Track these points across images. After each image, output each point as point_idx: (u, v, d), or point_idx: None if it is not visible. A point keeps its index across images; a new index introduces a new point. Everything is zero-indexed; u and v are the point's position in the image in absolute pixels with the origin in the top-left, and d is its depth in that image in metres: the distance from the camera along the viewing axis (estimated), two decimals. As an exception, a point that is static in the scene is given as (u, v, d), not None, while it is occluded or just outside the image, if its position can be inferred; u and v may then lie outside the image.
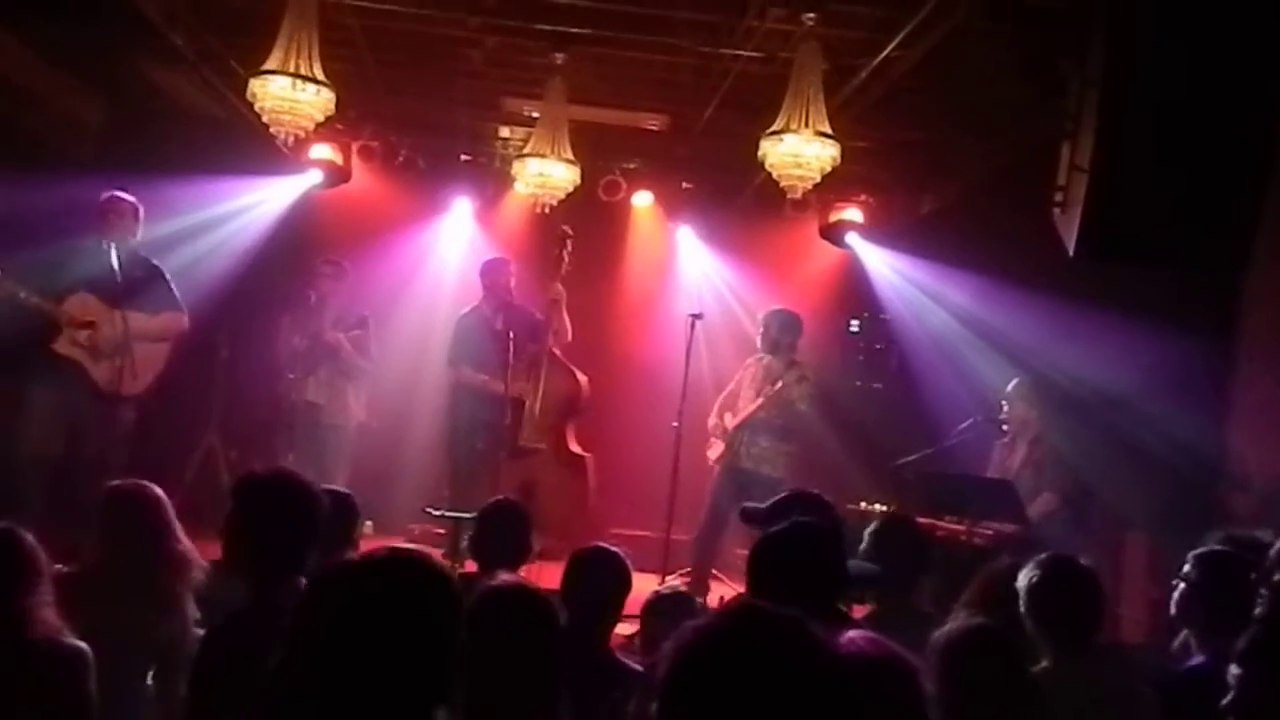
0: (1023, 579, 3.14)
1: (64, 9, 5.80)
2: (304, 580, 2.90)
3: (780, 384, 6.75)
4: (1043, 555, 3.23)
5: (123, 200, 6.06)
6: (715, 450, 6.98)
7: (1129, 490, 6.58)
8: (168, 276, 6.28)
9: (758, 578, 2.73)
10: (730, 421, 6.95)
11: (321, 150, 7.68)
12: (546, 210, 6.77)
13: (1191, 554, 3.35)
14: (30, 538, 2.76)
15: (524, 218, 7.39)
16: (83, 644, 2.69)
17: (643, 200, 8.26)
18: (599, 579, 3.33)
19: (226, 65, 6.43)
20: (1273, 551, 3.04)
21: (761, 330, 7.04)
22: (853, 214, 8.20)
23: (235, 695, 2.74)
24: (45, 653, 2.62)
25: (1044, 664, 3.06)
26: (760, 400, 6.82)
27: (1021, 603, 3.12)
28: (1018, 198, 6.45)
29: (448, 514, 6.12)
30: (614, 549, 3.48)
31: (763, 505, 3.48)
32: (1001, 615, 3.10)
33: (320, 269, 7.18)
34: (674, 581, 5.92)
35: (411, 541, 5.87)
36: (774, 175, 5.74)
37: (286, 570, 2.90)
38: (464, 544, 4.21)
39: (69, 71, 7.15)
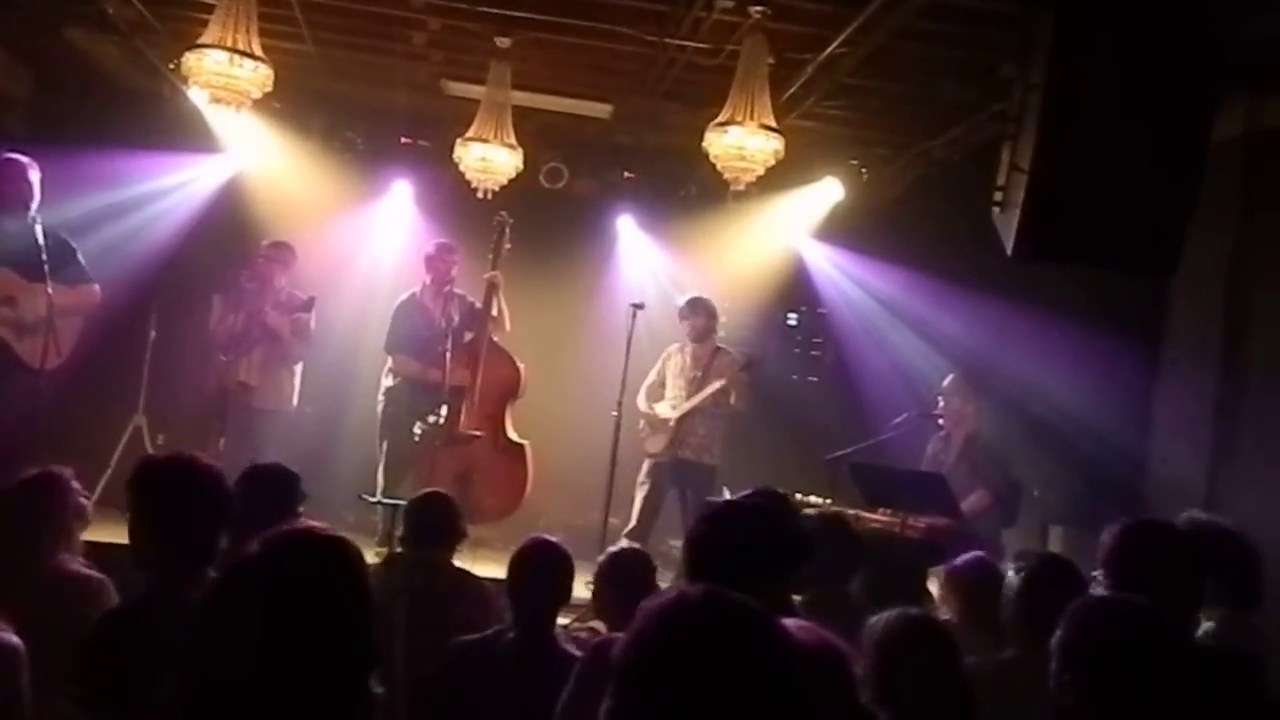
0: (1014, 571, 3.26)
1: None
2: (211, 571, 2.82)
3: (724, 381, 6.82)
4: (1040, 553, 3.35)
5: (15, 162, 5.83)
6: (655, 442, 6.98)
7: (1053, 483, 6.76)
8: (76, 248, 6.07)
9: (696, 560, 2.74)
10: (668, 413, 6.97)
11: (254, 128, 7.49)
12: (488, 196, 6.71)
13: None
14: None
15: (464, 203, 7.30)
16: (15, 639, 2.55)
17: (584, 188, 8.22)
18: (544, 571, 3.32)
19: (160, 38, 6.26)
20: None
21: (689, 318, 7.06)
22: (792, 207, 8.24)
23: (130, 688, 2.66)
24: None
25: (1010, 653, 3.16)
26: (706, 394, 6.86)
27: (1008, 593, 3.22)
28: (956, 196, 6.56)
29: (383, 501, 6.05)
30: (554, 540, 3.47)
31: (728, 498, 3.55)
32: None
33: (266, 251, 7.00)
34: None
35: (346, 529, 5.81)
36: (718, 167, 5.75)
37: (192, 560, 2.78)
38: (398, 531, 4.17)
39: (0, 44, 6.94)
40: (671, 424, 6.93)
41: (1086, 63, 4.18)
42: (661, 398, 7.08)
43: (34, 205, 5.75)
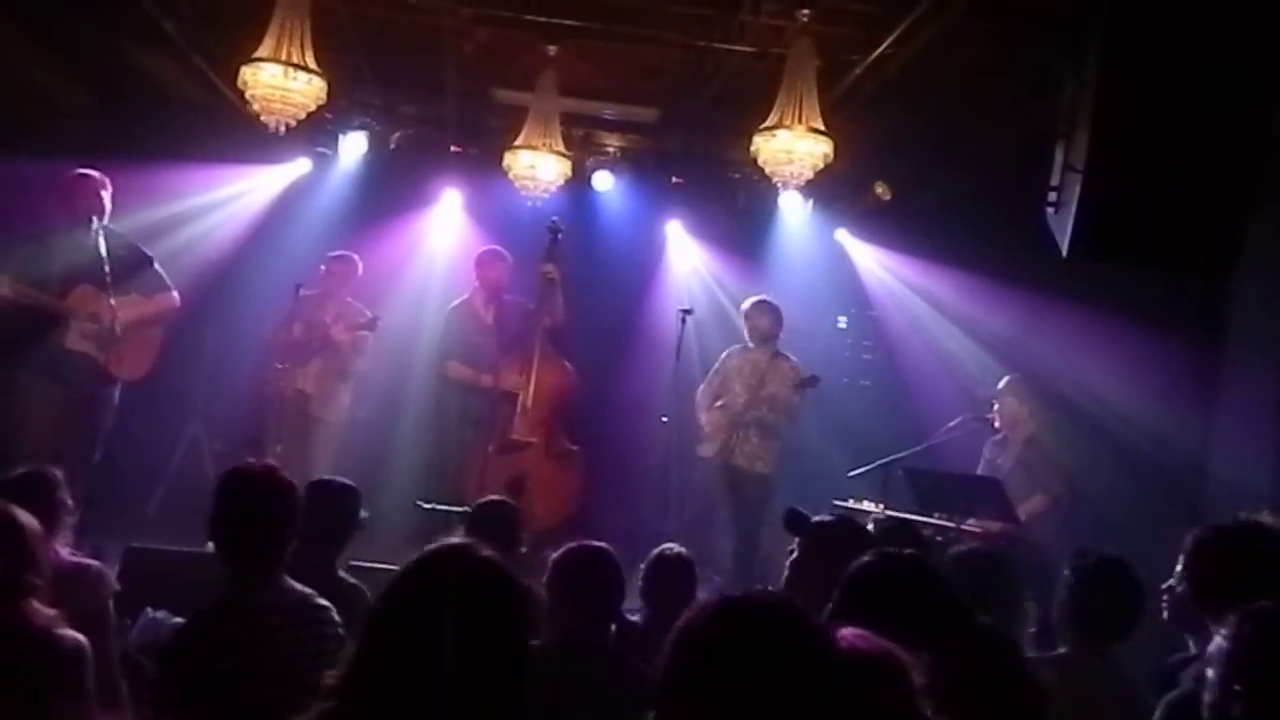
0: (1070, 570, 3.26)
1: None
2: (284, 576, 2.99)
3: (792, 388, 6.81)
4: (1096, 553, 3.33)
5: (90, 177, 5.99)
6: (708, 446, 6.94)
7: (1112, 487, 6.62)
8: (153, 257, 6.25)
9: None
10: (723, 417, 6.92)
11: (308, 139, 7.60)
12: (537, 204, 6.75)
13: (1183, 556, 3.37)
14: (28, 518, 2.71)
15: (514, 210, 7.35)
16: (81, 636, 2.64)
17: (633, 194, 8.23)
18: (598, 578, 3.31)
19: (217, 52, 6.37)
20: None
21: (751, 322, 6.99)
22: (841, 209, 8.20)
23: (204, 690, 2.73)
24: (43, 646, 2.56)
25: (1062, 650, 3.15)
26: (763, 397, 6.81)
27: (1062, 589, 3.23)
28: (1007, 196, 6.47)
29: (438, 507, 6.10)
30: (604, 546, 3.47)
31: (809, 516, 3.54)
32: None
33: (329, 264, 7.10)
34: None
35: (402, 536, 5.87)
36: (766, 171, 5.74)
37: (267, 566, 2.91)
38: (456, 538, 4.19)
39: (58, 58, 7.09)
40: (725, 427, 6.88)
41: (1141, 59, 4.10)
42: (719, 399, 6.99)
43: (100, 219, 5.90)
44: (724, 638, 1.59)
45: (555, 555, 3.42)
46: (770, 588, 3.37)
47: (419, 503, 6.34)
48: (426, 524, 6.45)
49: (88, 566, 3.49)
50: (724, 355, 7.12)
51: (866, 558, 2.52)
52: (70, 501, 3.55)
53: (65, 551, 3.46)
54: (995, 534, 5.77)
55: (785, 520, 3.59)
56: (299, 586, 3.03)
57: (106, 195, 5.98)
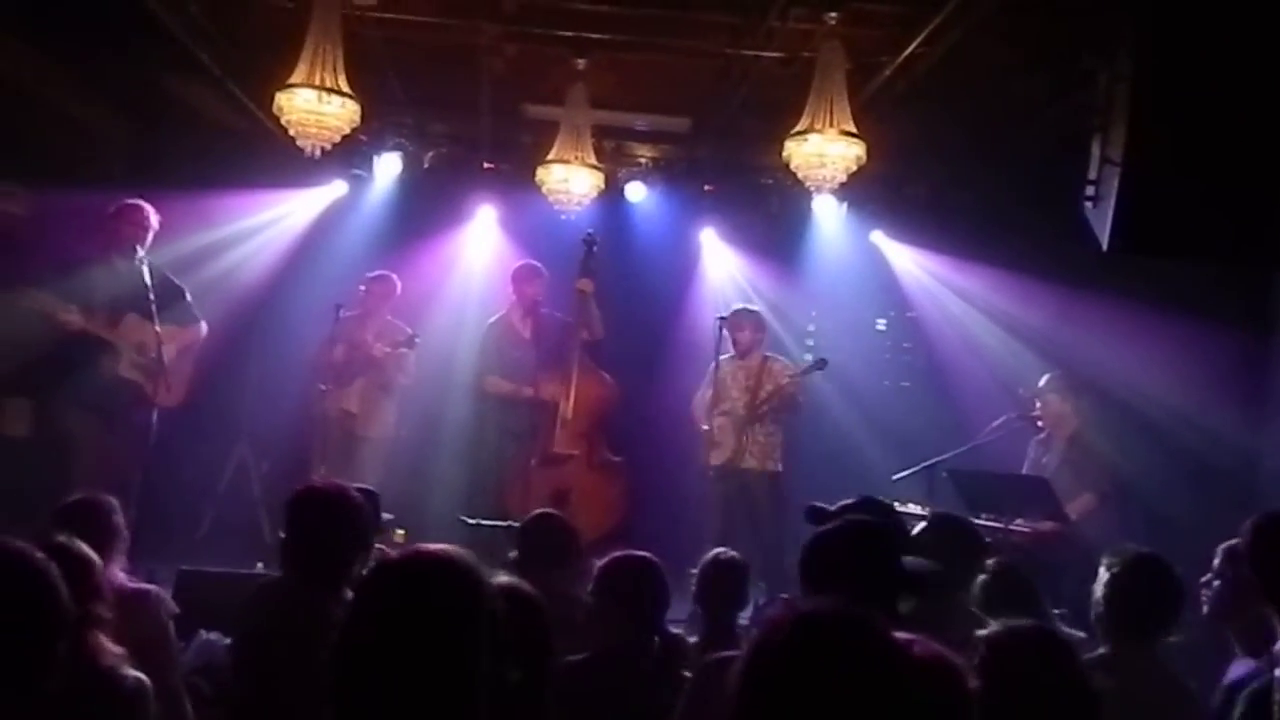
0: (1105, 568, 3.22)
1: (93, 28, 5.85)
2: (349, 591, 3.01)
3: (787, 381, 6.85)
4: (1132, 549, 3.28)
5: (139, 207, 6.11)
6: (718, 454, 6.87)
7: (1165, 486, 6.51)
8: (185, 289, 6.38)
9: (812, 575, 2.70)
10: (728, 424, 6.88)
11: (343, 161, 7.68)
12: (571, 216, 6.78)
13: (1221, 548, 3.33)
14: (89, 551, 2.72)
15: (549, 224, 7.39)
16: (143, 676, 2.62)
17: (667, 204, 8.24)
18: (642, 588, 3.32)
19: (252, 79, 6.46)
20: None
21: (733, 332, 6.96)
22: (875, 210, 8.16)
23: (279, 703, 2.78)
24: (107, 685, 2.51)
25: (1101, 651, 3.10)
26: (766, 395, 6.84)
27: (1098, 588, 3.19)
28: (1043, 192, 6.41)
29: (483, 523, 6.12)
30: (648, 556, 3.47)
31: (830, 507, 3.50)
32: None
33: (368, 284, 7.18)
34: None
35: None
36: (799, 175, 5.73)
37: (337, 581, 2.98)
38: (511, 555, 4.19)
39: (98, 90, 7.23)
40: (732, 435, 6.85)
41: (1177, 48, 4.05)
42: (716, 410, 6.93)
43: (143, 248, 6.01)
44: (804, 657, 1.58)
45: (600, 565, 3.43)
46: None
47: (463, 518, 6.36)
48: (471, 540, 6.48)
49: (147, 592, 3.53)
50: (712, 367, 7.07)
51: (825, 527, 2.64)
52: (124, 526, 3.60)
53: (123, 577, 3.50)
54: (1045, 534, 5.70)
55: (807, 516, 3.57)
56: None
57: (152, 226, 6.09)
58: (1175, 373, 6.39)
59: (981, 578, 3.42)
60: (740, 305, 7.24)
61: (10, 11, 5.77)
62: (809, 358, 7.58)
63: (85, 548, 2.67)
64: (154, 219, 6.12)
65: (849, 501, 3.49)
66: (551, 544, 4.03)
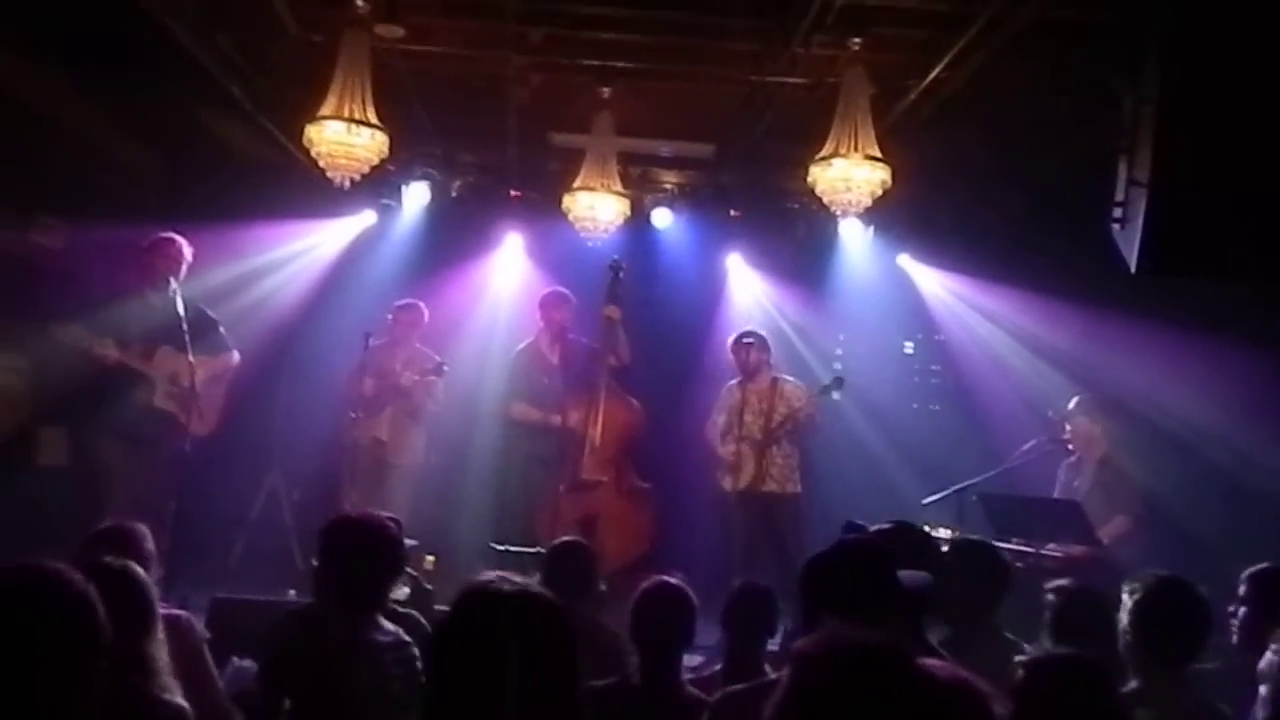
0: (1128, 595, 3.14)
1: (127, 64, 5.96)
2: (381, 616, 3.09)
3: (803, 405, 6.83)
4: (1160, 575, 3.20)
5: (173, 241, 6.21)
6: (735, 480, 6.84)
7: (1200, 509, 6.43)
8: (217, 320, 6.49)
9: (810, 594, 2.69)
10: (746, 448, 6.85)
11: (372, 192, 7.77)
12: (597, 243, 6.83)
13: (1245, 574, 3.28)
14: (142, 575, 2.76)
15: (576, 251, 7.43)
16: (184, 704, 2.64)
17: (693, 229, 8.27)
18: (665, 613, 3.32)
19: (282, 113, 6.56)
20: None
21: (738, 357, 6.96)
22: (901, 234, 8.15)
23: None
24: (149, 712, 2.53)
25: (1133, 684, 3.03)
26: (781, 419, 6.82)
27: (1123, 617, 3.11)
28: (1070, 213, 6.39)
29: (511, 549, 6.14)
30: (676, 581, 3.48)
31: (867, 525, 3.51)
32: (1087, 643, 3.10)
33: (396, 313, 7.24)
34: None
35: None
36: (824, 200, 5.74)
37: (370, 606, 3.03)
38: (535, 579, 4.21)
39: (133, 124, 7.36)
40: (751, 459, 6.82)
41: (1201, 69, 4.04)
42: (732, 435, 6.92)
43: (177, 280, 6.10)
44: (843, 696, 1.60)
45: (639, 590, 3.44)
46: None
47: (493, 545, 6.38)
48: (501, 566, 6.50)
49: (177, 617, 3.57)
50: (724, 391, 7.06)
51: (824, 549, 2.65)
52: (156, 554, 3.65)
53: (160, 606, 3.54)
54: (1078, 558, 5.65)
55: (844, 532, 3.56)
56: (391, 626, 3.11)
57: (185, 259, 6.19)
58: (1206, 393, 6.33)
59: (1052, 599, 3.30)
60: (744, 330, 7.20)
61: (46, 49, 5.89)
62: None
63: (136, 568, 2.69)
64: (187, 251, 6.23)
65: (884, 526, 3.49)
66: (575, 571, 4.04)
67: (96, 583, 2.06)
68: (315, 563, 3.20)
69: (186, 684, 2.71)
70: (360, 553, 3.11)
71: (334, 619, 3.07)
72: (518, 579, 2.12)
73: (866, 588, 2.64)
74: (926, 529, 6.09)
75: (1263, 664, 2.29)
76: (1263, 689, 2.27)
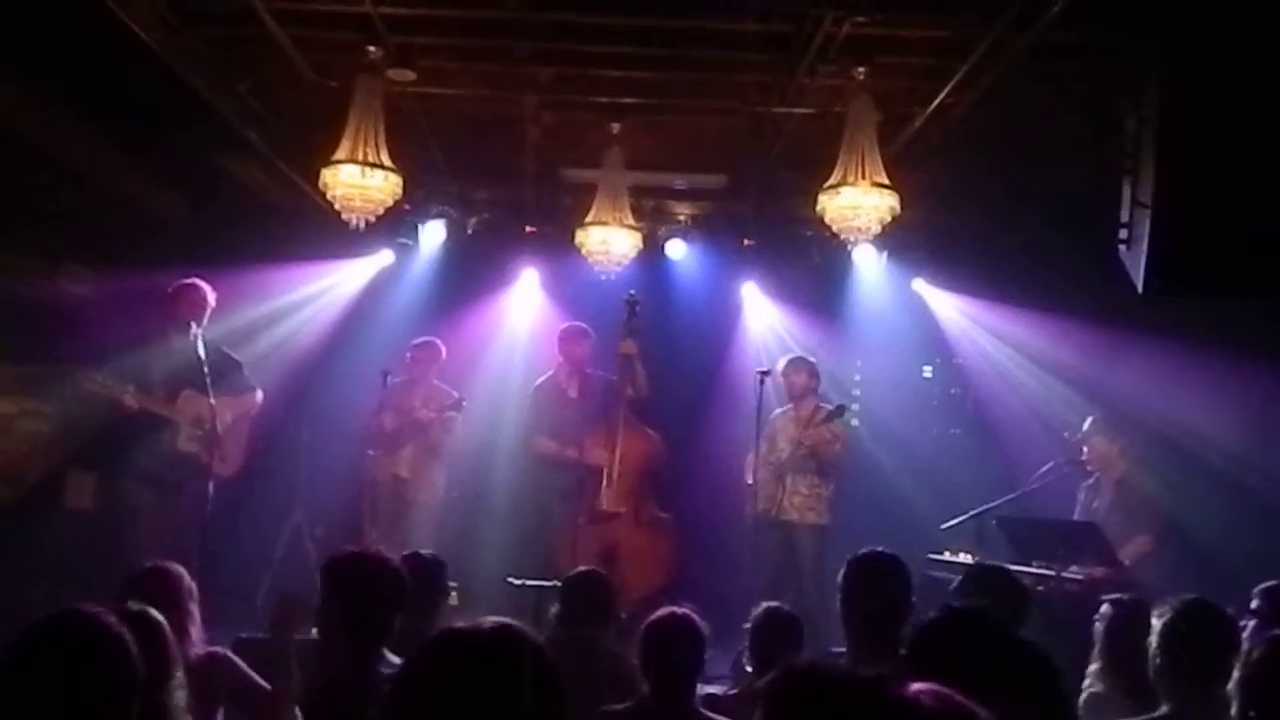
0: (1157, 618, 3.13)
1: (148, 112, 6.10)
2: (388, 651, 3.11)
3: (809, 429, 6.78)
4: (1187, 597, 3.18)
5: (197, 287, 6.33)
6: (758, 504, 6.81)
7: (1224, 529, 6.37)
8: (241, 362, 6.61)
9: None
10: (768, 474, 6.82)
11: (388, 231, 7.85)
12: (610, 276, 6.89)
13: (1258, 589, 3.26)
14: (164, 622, 2.80)
15: (591, 285, 7.50)
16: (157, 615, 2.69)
17: (707, 260, 8.31)
18: (676, 643, 3.34)
19: (299, 157, 6.68)
20: None
21: (787, 379, 6.99)
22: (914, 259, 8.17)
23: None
24: None
25: (1164, 709, 3.02)
26: (791, 446, 6.79)
27: (1152, 641, 3.10)
28: (1082, 233, 6.39)
29: (529, 583, 6.16)
30: (686, 612, 3.49)
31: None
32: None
33: (413, 351, 7.31)
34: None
35: (495, 611, 5.93)
36: (834, 228, 5.78)
37: (375, 642, 3.05)
38: (553, 611, 4.24)
39: (154, 171, 7.50)
40: (772, 485, 6.80)
41: (1200, 89, 4.07)
42: (763, 462, 6.87)
43: (199, 325, 6.21)
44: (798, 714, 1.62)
45: (646, 621, 3.46)
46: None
47: (510, 579, 6.40)
48: (519, 600, 6.53)
49: (214, 653, 3.61)
50: (770, 418, 7.06)
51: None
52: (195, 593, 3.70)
53: (199, 645, 3.57)
54: (1100, 580, 5.60)
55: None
56: (399, 660, 3.13)
57: (209, 304, 6.32)
58: (1230, 412, 6.29)
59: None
60: (794, 354, 7.23)
61: (72, 100, 6.04)
62: (856, 407, 7.56)
63: (156, 614, 2.73)
64: (211, 297, 6.34)
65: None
66: (593, 601, 4.06)
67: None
68: (318, 601, 3.20)
69: (253, 710, 2.80)
70: (362, 587, 3.14)
71: (339, 654, 3.10)
72: (495, 620, 2.09)
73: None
74: (946, 553, 6.12)
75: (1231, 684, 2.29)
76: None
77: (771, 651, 3.76)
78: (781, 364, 7.11)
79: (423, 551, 4.38)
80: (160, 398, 6.22)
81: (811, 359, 7.18)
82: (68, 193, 6.90)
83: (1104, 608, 3.52)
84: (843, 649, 3.60)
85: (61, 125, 6.39)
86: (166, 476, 6.25)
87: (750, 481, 6.85)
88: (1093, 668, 3.62)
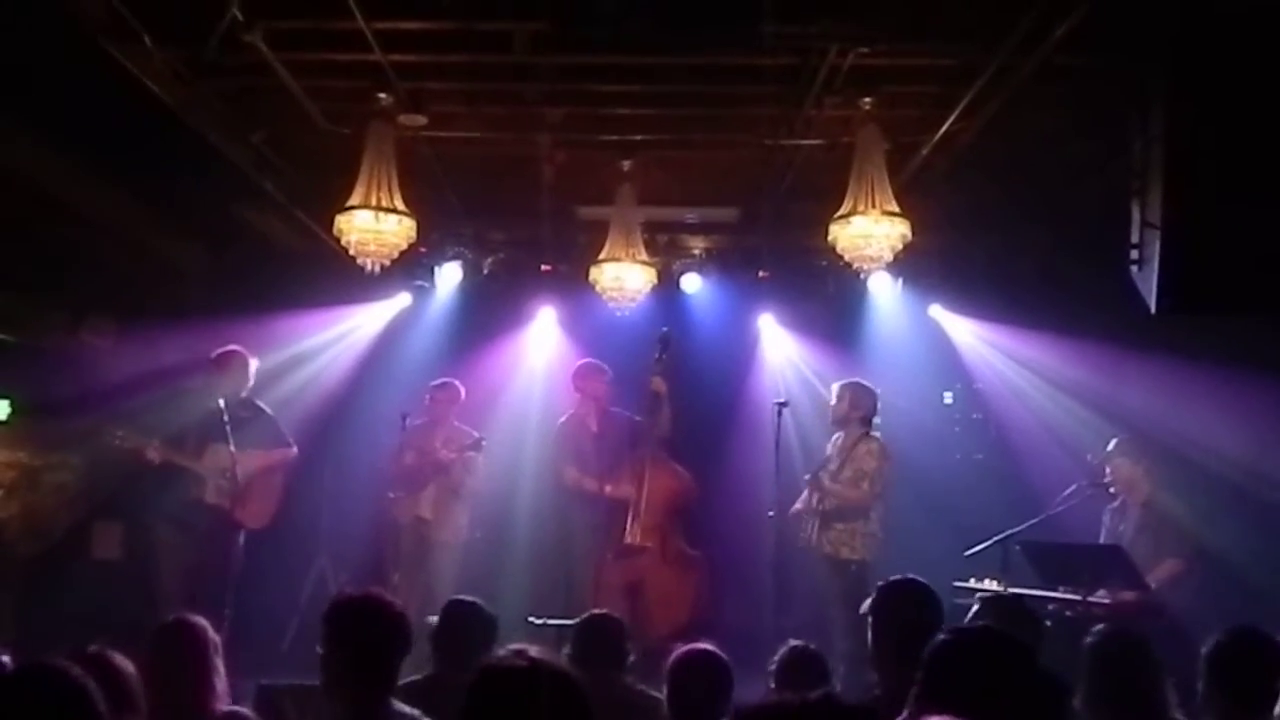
0: (1208, 644, 3.18)
1: (166, 164, 6.19)
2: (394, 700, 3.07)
3: (825, 472, 6.61)
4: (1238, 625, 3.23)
5: (237, 354, 6.44)
6: (801, 538, 6.69)
7: (1256, 551, 6.27)
8: (271, 413, 6.69)
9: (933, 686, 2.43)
10: (805, 506, 6.68)
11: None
12: (624, 312, 6.92)
13: None
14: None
15: (608, 321, 7.52)
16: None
17: (722, 293, 8.33)
18: (699, 680, 3.33)
19: (314, 204, 6.77)
20: None
21: (834, 403, 6.82)
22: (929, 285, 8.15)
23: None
24: None
25: None
26: (841, 480, 6.61)
27: (1201, 666, 3.14)
28: (1097, 254, 6.37)
29: (549, 623, 6.14)
30: (711, 648, 3.48)
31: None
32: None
33: (433, 392, 7.32)
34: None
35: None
36: (846, 257, 5.79)
37: (380, 690, 3.00)
38: (564, 652, 4.24)
39: (172, 222, 7.61)
40: (809, 518, 6.64)
41: (1206, 109, 4.08)
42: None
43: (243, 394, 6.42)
44: None
45: (671, 658, 3.45)
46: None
47: (530, 619, 6.38)
48: (539, 640, 6.48)
49: (235, 713, 3.59)
50: (832, 440, 6.99)
51: (942, 636, 2.44)
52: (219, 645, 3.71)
53: (223, 700, 3.54)
54: (1128, 605, 5.54)
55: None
56: (408, 710, 3.10)
57: (251, 375, 6.56)
58: (1247, 429, 6.22)
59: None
60: (844, 380, 6.94)
61: (91, 154, 6.14)
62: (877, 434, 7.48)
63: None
64: (253, 366, 6.55)
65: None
66: (604, 643, 4.04)
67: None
68: (320, 649, 3.08)
69: None
70: (364, 632, 3.06)
71: (343, 704, 3.06)
72: (533, 652, 2.15)
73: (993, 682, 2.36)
74: (972, 580, 6.06)
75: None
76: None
77: (796, 690, 3.72)
78: (835, 386, 6.88)
79: (465, 599, 4.35)
80: (190, 451, 6.30)
81: (856, 381, 6.87)
82: (88, 246, 7.01)
83: (1096, 630, 3.48)
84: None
85: (81, 179, 6.51)
86: (194, 528, 6.31)
87: (772, 514, 6.79)
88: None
